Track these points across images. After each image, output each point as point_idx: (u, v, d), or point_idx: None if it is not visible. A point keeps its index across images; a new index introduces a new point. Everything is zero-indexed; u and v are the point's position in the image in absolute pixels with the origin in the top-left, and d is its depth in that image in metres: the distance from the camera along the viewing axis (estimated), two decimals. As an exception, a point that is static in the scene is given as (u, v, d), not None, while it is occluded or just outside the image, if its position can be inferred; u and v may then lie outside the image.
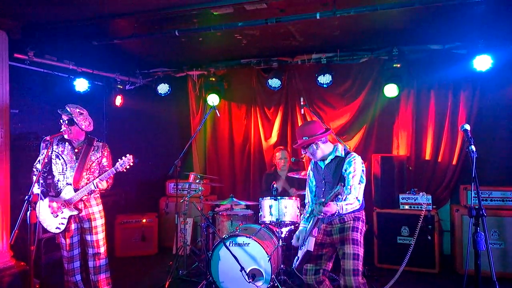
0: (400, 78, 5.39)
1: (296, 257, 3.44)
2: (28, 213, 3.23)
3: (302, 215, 3.62)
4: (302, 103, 5.39)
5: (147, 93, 6.77)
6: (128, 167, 3.91)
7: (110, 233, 4.92)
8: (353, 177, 3.16)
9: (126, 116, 6.83)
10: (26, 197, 3.28)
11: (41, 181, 3.91)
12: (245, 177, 6.71)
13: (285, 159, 5.61)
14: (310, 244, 3.16)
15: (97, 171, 4.09)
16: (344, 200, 3.08)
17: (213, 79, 6.36)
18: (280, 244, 4.46)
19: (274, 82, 5.98)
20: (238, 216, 5.05)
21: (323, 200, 3.00)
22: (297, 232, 3.48)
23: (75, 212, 3.94)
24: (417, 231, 4.83)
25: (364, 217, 3.35)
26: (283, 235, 4.51)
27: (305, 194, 4.87)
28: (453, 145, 5.57)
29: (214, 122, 6.84)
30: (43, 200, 3.94)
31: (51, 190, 4.04)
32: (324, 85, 5.67)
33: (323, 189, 3.36)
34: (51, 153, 4.00)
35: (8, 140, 4.34)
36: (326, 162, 3.36)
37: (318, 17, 4.01)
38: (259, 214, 4.70)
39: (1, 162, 4.23)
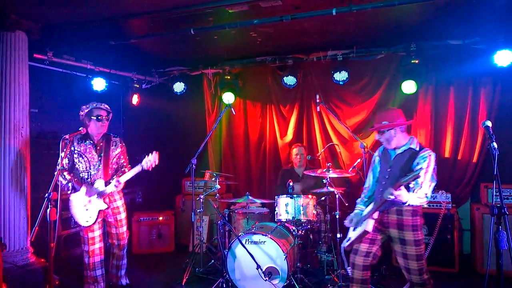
0: (418, 74, 5.30)
1: (347, 238, 3.49)
2: (48, 210, 3.29)
3: (360, 198, 3.65)
4: (318, 101, 5.33)
5: (163, 92, 6.83)
6: (153, 165, 4.05)
7: (127, 230, 4.97)
8: (425, 173, 3.10)
9: (143, 115, 6.90)
10: (46, 194, 3.35)
11: (68, 177, 4.01)
12: (260, 175, 6.71)
13: (301, 155, 5.61)
14: (369, 226, 3.25)
15: (116, 166, 4.24)
16: (415, 192, 3.08)
17: (228, 77, 6.36)
18: (296, 242, 4.44)
19: (290, 80, 5.95)
20: (254, 214, 5.05)
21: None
22: (352, 214, 3.54)
23: (105, 206, 4.06)
24: (436, 230, 4.75)
25: (420, 211, 3.33)
26: (299, 234, 4.49)
27: (319, 193, 4.87)
28: (473, 142, 5.45)
29: (229, 120, 6.85)
30: (78, 190, 4.04)
31: (80, 184, 4.12)
32: (340, 82, 5.62)
33: (387, 176, 3.36)
34: (73, 151, 4.08)
35: (28, 138, 4.44)
36: (398, 152, 3.36)
37: (334, 13, 3.97)
38: (275, 212, 4.68)
39: (22, 160, 4.32)
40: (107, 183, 4.05)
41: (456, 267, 4.90)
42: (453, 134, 5.56)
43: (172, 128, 7.21)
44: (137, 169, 4.04)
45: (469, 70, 5.29)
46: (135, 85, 6.64)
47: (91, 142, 4.14)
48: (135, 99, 6.64)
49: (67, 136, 3.97)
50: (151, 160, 4.02)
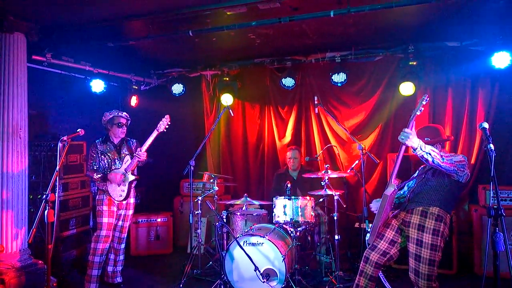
0: (416, 76, 5.30)
1: (369, 231, 3.53)
2: (46, 212, 3.30)
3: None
4: (316, 102, 5.34)
5: (162, 94, 6.82)
6: (167, 126, 4.57)
7: (125, 232, 4.97)
8: (451, 155, 3.24)
9: (141, 116, 6.88)
10: (44, 196, 3.35)
11: (98, 176, 4.45)
12: (259, 176, 6.70)
13: (294, 159, 5.60)
14: (388, 189, 3.25)
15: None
16: (431, 146, 3.13)
17: (227, 78, 6.36)
18: (295, 244, 4.44)
19: (288, 81, 5.96)
20: (252, 215, 5.05)
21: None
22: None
23: (133, 177, 4.51)
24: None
25: (448, 221, 3.35)
26: (297, 235, 4.49)
27: (317, 195, 4.89)
28: (471, 143, 5.46)
29: (228, 122, 6.85)
30: (108, 178, 4.47)
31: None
32: (339, 84, 5.62)
33: (423, 176, 3.51)
34: (98, 152, 4.53)
35: (27, 140, 4.43)
36: None
37: (332, 15, 3.97)
38: (273, 213, 4.68)
39: (21, 162, 4.32)
40: (132, 157, 4.52)
41: (454, 268, 4.91)
42: (451, 136, 5.55)
43: (170, 130, 7.15)
44: (154, 134, 4.51)
45: (467, 72, 5.31)
46: (134, 87, 6.65)
47: (112, 143, 4.61)
48: (133, 101, 6.64)
49: (65, 138, 3.99)
50: (164, 122, 4.55)
